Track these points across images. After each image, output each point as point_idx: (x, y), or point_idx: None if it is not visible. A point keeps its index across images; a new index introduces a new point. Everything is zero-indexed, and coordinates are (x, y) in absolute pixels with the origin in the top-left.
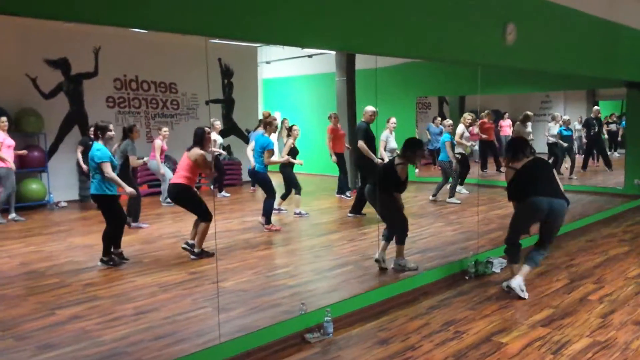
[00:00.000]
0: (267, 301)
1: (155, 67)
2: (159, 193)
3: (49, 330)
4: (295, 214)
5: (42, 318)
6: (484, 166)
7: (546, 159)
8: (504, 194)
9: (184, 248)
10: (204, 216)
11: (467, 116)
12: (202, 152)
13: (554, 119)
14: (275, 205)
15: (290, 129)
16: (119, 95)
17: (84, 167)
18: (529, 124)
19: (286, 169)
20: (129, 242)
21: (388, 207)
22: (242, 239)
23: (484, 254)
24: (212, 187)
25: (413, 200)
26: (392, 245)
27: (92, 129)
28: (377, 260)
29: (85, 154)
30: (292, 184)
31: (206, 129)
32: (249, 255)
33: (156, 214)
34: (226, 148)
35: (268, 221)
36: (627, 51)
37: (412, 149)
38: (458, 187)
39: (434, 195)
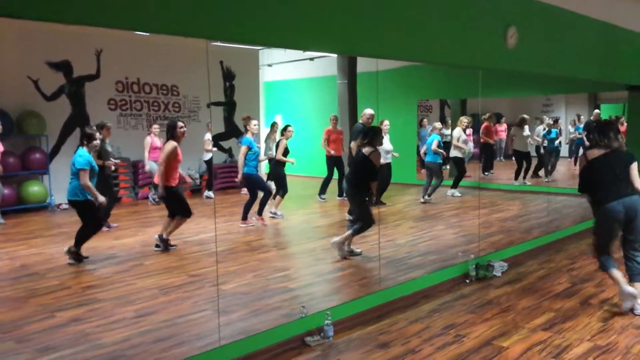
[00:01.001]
0: (268, 304)
1: (157, 69)
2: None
3: (49, 332)
4: (270, 213)
5: (42, 320)
6: (486, 169)
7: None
8: (504, 197)
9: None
10: (183, 213)
11: (464, 119)
12: (174, 143)
13: (542, 122)
14: (272, 210)
15: (285, 129)
16: (121, 98)
17: None
18: (527, 127)
19: (278, 169)
20: (131, 244)
21: (358, 201)
22: (243, 241)
23: (484, 257)
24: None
25: (414, 203)
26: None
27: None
28: (344, 257)
29: None
30: (280, 185)
31: (179, 122)
32: (249, 258)
33: (159, 216)
34: (228, 150)
35: (260, 212)
36: (628, 54)
37: (372, 134)
38: (451, 190)
39: (429, 195)
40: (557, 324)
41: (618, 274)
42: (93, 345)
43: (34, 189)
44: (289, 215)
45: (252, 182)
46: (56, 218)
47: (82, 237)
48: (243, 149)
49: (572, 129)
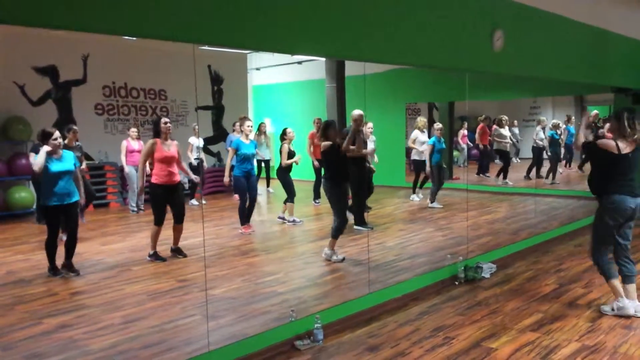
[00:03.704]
0: (257, 308)
1: (145, 74)
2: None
3: (36, 339)
4: (280, 218)
5: (29, 327)
6: (484, 170)
7: (531, 162)
8: (493, 198)
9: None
10: (154, 219)
11: (419, 121)
12: (152, 140)
13: (539, 123)
14: (281, 214)
15: (284, 133)
16: (108, 103)
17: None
18: (507, 127)
19: (284, 175)
20: (119, 250)
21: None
22: (232, 245)
23: (473, 259)
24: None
25: (403, 205)
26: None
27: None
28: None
29: None
30: (288, 191)
31: (163, 118)
32: (238, 262)
33: (147, 221)
34: (216, 154)
35: (247, 219)
36: (614, 57)
37: (326, 128)
38: (412, 195)
39: (431, 202)
40: (545, 325)
41: (619, 285)
42: (81, 352)
43: (20, 194)
44: (276, 219)
45: (235, 186)
46: (43, 224)
47: (46, 249)
48: (231, 152)
49: (563, 127)
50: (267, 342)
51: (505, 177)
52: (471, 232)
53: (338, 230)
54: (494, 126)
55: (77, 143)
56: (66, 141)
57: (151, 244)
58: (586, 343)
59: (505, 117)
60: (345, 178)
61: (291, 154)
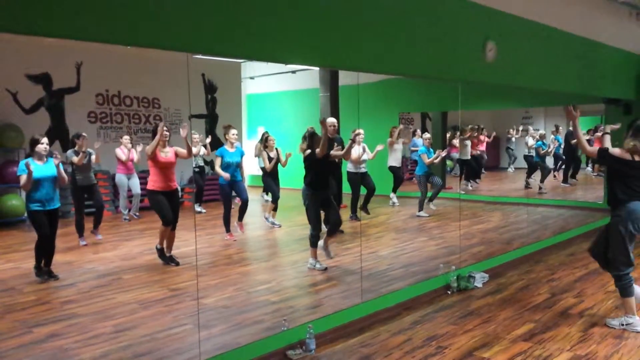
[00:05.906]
0: (249, 318)
1: (138, 82)
2: (147, 207)
3: (26, 349)
4: (272, 224)
5: (19, 336)
6: (469, 180)
7: (526, 172)
8: (486, 208)
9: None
10: (162, 221)
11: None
12: (149, 145)
13: (527, 132)
14: (270, 218)
15: (265, 140)
16: (101, 111)
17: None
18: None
19: (264, 178)
20: (110, 258)
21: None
22: (224, 254)
23: (466, 269)
24: (196, 205)
25: (397, 215)
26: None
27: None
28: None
29: None
30: (270, 191)
31: (160, 124)
32: (231, 271)
33: (139, 229)
34: (209, 163)
35: (239, 218)
36: (605, 68)
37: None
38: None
39: (418, 210)
40: (537, 335)
41: (634, 303)
42: None
43: (12, 202)
44: (271, 226)
45: (220, 194)
46: (34, 232)
47: (35, 250)
48: (217, 160)
49: (552, 138)
50: (259, 351)
51: (473, 180)
52: (464, 241)
53: (313, 238)
54: (458, 135)
55: (88, 150)
56: (76, 147)
57: (159, 239)
58: (578, 353)
59: (465, 128)
60: (324, 186)
61: (270, 160)
